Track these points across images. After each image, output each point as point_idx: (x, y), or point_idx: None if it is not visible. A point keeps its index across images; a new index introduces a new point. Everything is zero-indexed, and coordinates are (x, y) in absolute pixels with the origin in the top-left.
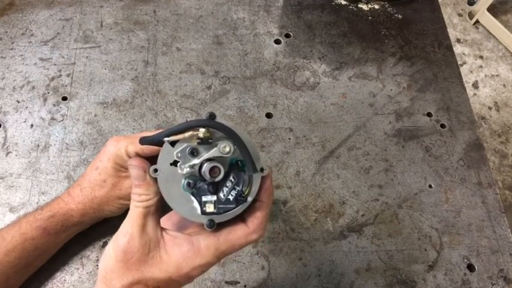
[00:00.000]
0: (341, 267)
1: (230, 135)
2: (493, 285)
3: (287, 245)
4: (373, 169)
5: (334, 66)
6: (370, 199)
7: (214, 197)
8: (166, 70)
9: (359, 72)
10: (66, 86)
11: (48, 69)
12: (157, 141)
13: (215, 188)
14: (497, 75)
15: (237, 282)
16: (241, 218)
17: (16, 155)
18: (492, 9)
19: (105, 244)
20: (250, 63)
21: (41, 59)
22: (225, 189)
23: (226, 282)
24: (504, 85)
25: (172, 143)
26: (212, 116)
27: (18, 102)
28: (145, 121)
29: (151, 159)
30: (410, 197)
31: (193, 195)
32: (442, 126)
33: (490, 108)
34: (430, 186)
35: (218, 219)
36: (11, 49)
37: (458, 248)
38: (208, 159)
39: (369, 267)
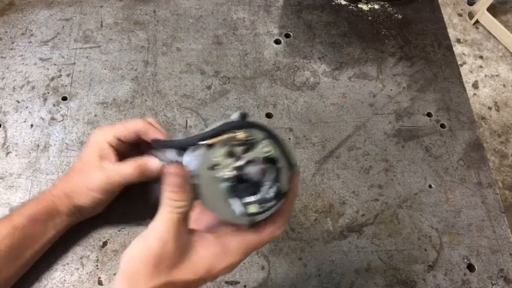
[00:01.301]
0: (341, 267)
1: (268, 134)
2: (493, 285)
3: (287, 245)
4: (373, 169)
5: (334, 66)
6: (370, 199)
7: (257, 197)
8: (166, 70)
9: (359, 72)
10: (66, 86)
11: (48, 69)
12: (178, 146)
13: (257, 187)
14: (497, 75)
15: (237, 282)
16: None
17: (16, 155)
18: (492, 9)
19: (105, 244)
20: (250, 63)
21: (41, 59)
22: (265, 188)
23: (226, 282)
24: (504, 85)
25: (208, 147)
26: (244, 115)
27: (18, 102)
28: None
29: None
30: (410, 197)
31: (234, 198)
32: (442, 126)
33: (490, 108)
34: (430, 186)
35: (259, 217)
36: (11, 49)
37: (458, 248)
38: (250, 161)
39: (369, 267)
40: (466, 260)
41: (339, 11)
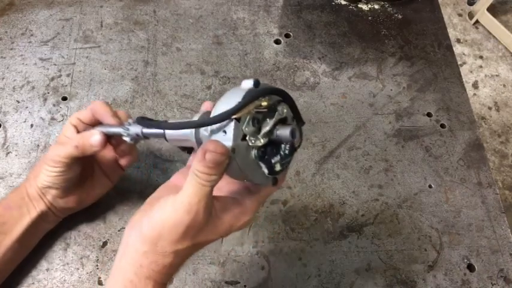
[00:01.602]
0: (341, 267)
1: (284, 96)
2: (493, 285)
3: (287, 245)
4: (373, 169)
5: (334, 66)
6: (370, 199)
7: (280, 156)
8: (166, 70)
9: (359, 72)
10: (66, 86)
11: (48, 69)
12: (223, 119)
13: (278, 147)
14: (497, 75)
15: (237, 282)
16: None
17: (16, 155)
18: (492, 9)
19: (105, 244)
20: (250, 63)
21: (41, 59)
22: (283, 146)
23: (226, 282)
24: (504, 85)
25: (238, 119)
26: (257, 82)
27: (18, 102)
28: None
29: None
30: (410, 197)
31: (263, 162)
32: (442, 126)
33: (490, 108)
34: (430, 186)
35: (281, 173)
36: (11, 49)
37: (458, 248)
38: (275, 124)
39: (369, 267)
40: (466, 260)
41: (339, 11)
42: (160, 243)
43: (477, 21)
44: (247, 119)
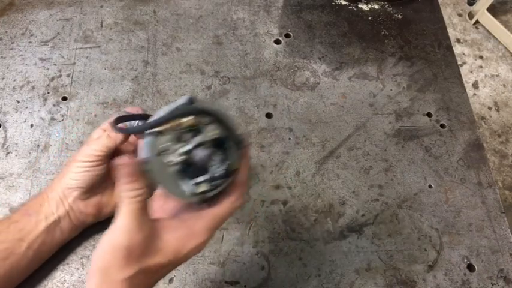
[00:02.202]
0: (341, 267)
1: (216, 117)
2: (493, 285)
3: (287, 245)
4: (373, 169)
5: (334, 66)
6: (370, 199)
7: (206, 177)
8: (166, 70)
9: (359, 72)
10: (66, 86)
11: (48, 69)
12: (140, 132)
13: (205, 167)
14: (497, 75)
15: (237, 282)
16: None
17: (16, 155)
18: (492, 9)
19: None
20: (250, 63)
21: (41, 59)
22: (213, 167)
23: (226, 282)
24: (504, 85)
25: (157, 133)
26: (192, 100)
27: (18, 102)
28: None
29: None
30: (410, 197)
31: (185, 179)
32: (442, 126)
33: (490, 108)
34: (430, 186)
35: (211, 194)
36: (11, 49)
37: (458, 248)
38: (197, 144)
39: (369, 267)
40: (466, 260)
41: (339, 11)
42: (109, 271)
43: (477, 21)
44: (168, 136)
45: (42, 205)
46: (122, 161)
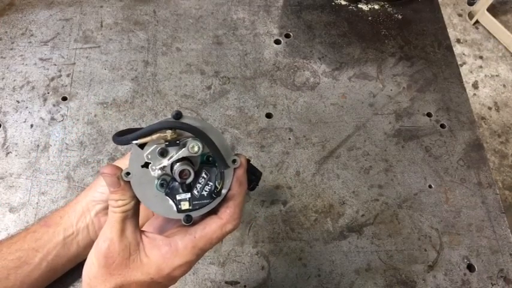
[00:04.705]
0: (341, 267)
1: (197, 134)
2: (493, 285)
3: (287, 245)
4: (373, 169)
5: (334, 66)
6: (370, 199)
7: (188, 195)
8: (166, 70)
9: (359, 72)
10: (66, 86)
11: (48, 69)
12: (126, 143)
13: (188, 186)
14: (497, 76)
15: (237, 282)
16: (214, 211)
17: (16, 155)
18: (492, 9)
19: None
20: (250, 63)
21: (41, 59)
22: (199, 186)
23: (226, 282)
24: (504, 85)
25: (141, 145)
26: (178, 115)
27: (18, 102)
28: (145, 121)
29: None
30: (410, 197)
31: (168, 195)
32: (442, 126)
33: (490, 108)
34: (430, 186)
35: (194, 214)
36: (11, 49)
37: (458, 248)
38: (178, 160)
39: (369, 268)
40: (466, 260)
41: (339, 11)
42: (93, 282)
43: (477, 22)
44: (153, 148)
45: (62, 217)
46: (105, 170)
